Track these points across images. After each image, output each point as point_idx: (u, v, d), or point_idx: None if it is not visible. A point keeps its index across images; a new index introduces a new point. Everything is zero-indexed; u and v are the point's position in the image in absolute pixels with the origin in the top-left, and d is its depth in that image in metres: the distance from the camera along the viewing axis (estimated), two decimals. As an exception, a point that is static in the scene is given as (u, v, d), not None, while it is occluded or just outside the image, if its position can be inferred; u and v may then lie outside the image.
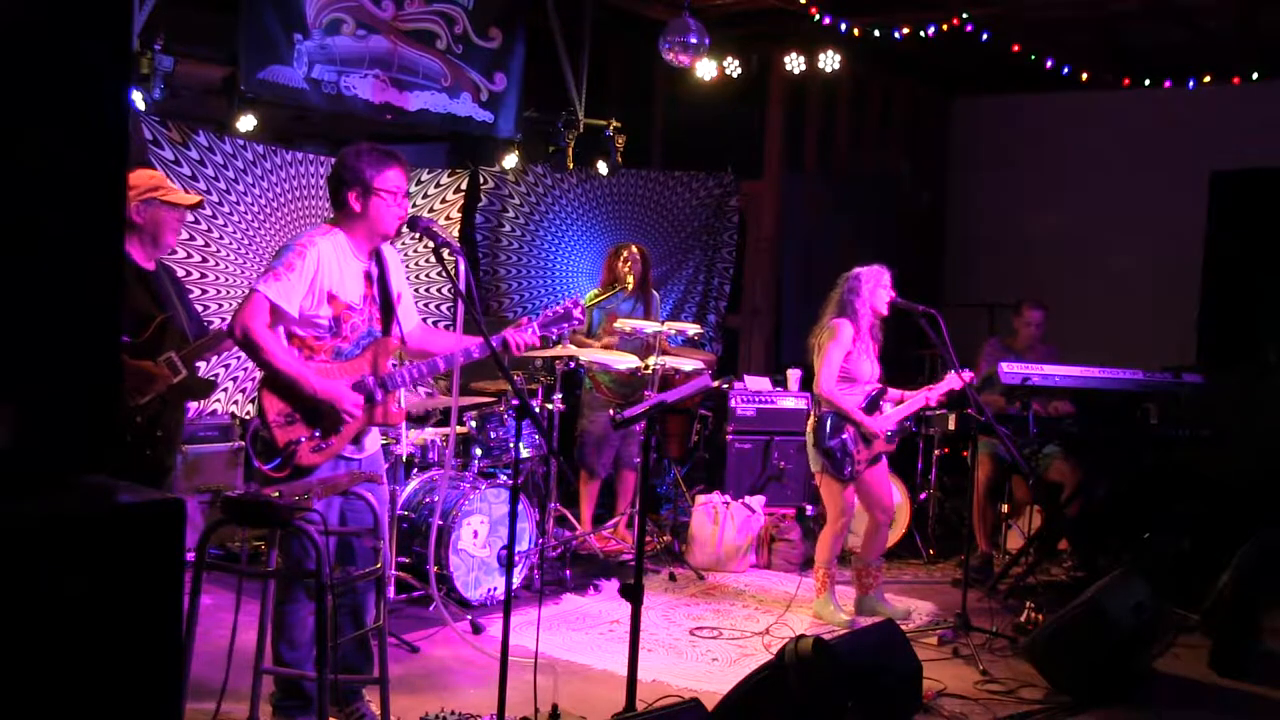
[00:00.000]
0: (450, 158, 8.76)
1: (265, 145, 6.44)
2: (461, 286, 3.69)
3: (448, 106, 6.71)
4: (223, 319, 5.75)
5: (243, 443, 5.88)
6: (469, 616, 5.13)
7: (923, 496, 7.26)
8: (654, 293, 6.96)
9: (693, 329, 6.69)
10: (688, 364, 6.36)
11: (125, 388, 3.74)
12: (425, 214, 7.03)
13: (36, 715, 1.50)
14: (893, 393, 5.58)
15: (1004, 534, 6.62)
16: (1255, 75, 8.01)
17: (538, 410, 5.84)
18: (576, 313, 4.05)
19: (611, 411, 6.26)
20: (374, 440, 3.92)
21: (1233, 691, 4.86)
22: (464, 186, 7.43)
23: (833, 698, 3.58)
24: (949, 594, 6.05)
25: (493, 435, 5.82)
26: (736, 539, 6.43)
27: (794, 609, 5.64)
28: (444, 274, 7.08)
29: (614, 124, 7.44)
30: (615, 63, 8.92)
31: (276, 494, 3.36)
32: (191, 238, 6.06)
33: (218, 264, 6.20)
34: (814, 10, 7.30)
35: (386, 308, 3.84)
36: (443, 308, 7.34)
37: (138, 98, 5.30)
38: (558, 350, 5.86)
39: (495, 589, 5.42)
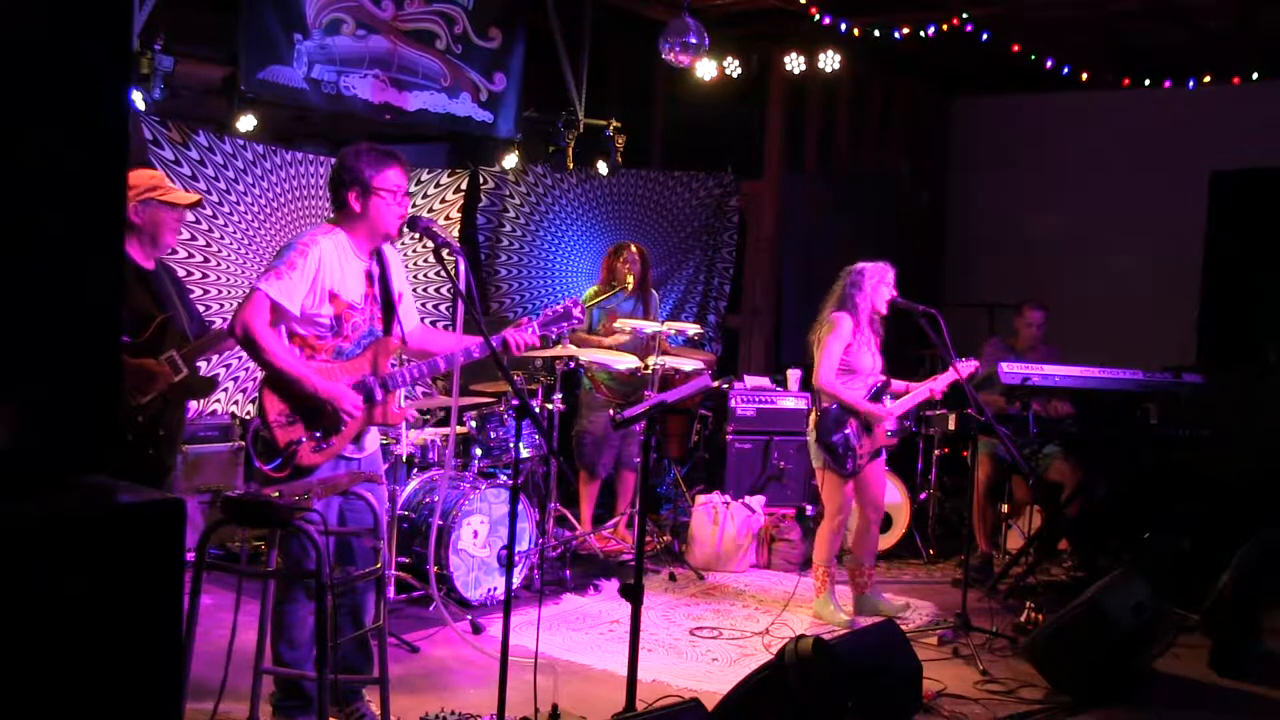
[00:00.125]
0: (450, 158, 8.76)
1: (265, 145, 6.44)
2: (461, 286, 3.69)
3: (447, 106, 6.71)
4: (224, 318, 5.75)
5: (243, 443, 5.88)
6: (469, 616, 5.13)
7: (923, 496, 7.26)
8: (653, 292, 6.96)
9: (693, 329, 6.69)
10: (688, 364, 6.36)
11: (126, 387, 3.75)
12: (425, 214, 7.03)
13: (37, 715, 1.50)
14: (896, 384, 5.59)
15: (1004, 534, 6.62)
16: (1255, 75, 8.01)
17: (538, 410, 5.84)
18: (576, 312, 4.06)
19: (611, 411, 6.26)
20: (373, 440, 3.92)
21: (1233, 691, 4.86)
22: (464, 186, 7.43)
23: (833, 698, 3.58)
24: (949, 594, 6.05)
25: (493, 435, 5.82)
26: (736, 539, 6.43)
27: (794, 609, 5.64)
28: (444, 274, 7.09)
29: (614, 124, 7.44)
30: (615, 63, 8.92)
31: (276, 494, 3.36)
32: (192, 238, 6.06)
33: (219, 264, 6.20)
34: (814, 10, 7.30)
35: (388, 307, 3.84)
36: (442, 308, 7.34)
37: (138, 98, 5.30)
38: (558, 350, 5.86)
39: (495, 589, 5.42)
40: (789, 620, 5.47)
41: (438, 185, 7.37)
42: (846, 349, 5.43)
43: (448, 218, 7.33)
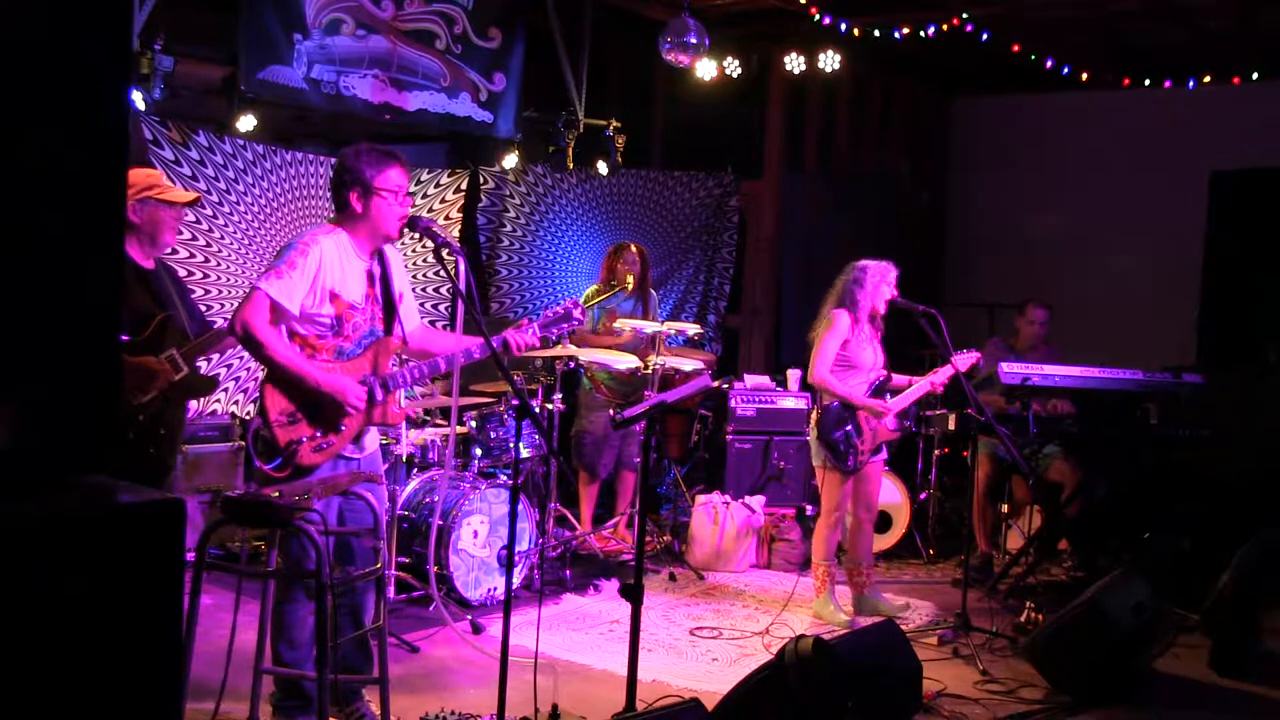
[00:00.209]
0: (450, 158, 8.76)
1: (265, 145, 6.45)
2: (461, 286, 3.69)
3: (446, 106, 6.71)
4: (225, 318, 5.75)
5: (243, 443, 5.89)
6: (469, 616, 5.13)
7: (923, 496, 7.26)
8: (652, 293, 6.96)
9: (693, 329, 6.69)
10: (688, 364, 6.36)
11: (126, 385, 3.75)
12: (425, 214, 7.03)
13: (37, 715, 1.50)
14: (898, 379, 5.60)
15: (1004, 534, 6.62)
16: (1255, 75, 8.01)
17: (538, 410, 5.84)
18: (576, 313, 4.06)
19: (611, 411, 6.26)
20: (373, 440, 3.92)
21: (1233, 691, 4.86)
22: (464, 186, 7.43)
23: (833, 698, 3.58)
24: (949, 594, 6.05)
25: (493, 435, 5.82)
26: (736, 539, 6.43)
27: (794, 609, 5.64)
28: (444, 274, 7.09)
29: (614, 124, 7.44)
30: (615, 63, 8.92)
31: (276, 494, 3.36)
32: (193, 237, 6.06)
33: (219, 263, 6.20)
34: (814, 10, 7.30)
35: (389, 308, 3.84)
36: (441, 307, 7.34)
37: (138, 98, 5.30)
38: (558, 350, 5.86)
39: (495, 589, 5.42)
40: (789, 620, 5.47)
41: (438, 185, 7.37)
42: (845, 345, 5.44)
43: (447, 218, 7.34)
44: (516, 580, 5.47)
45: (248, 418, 6.08)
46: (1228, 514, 6.01)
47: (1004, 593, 6.15)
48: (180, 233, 5.76)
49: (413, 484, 5.51)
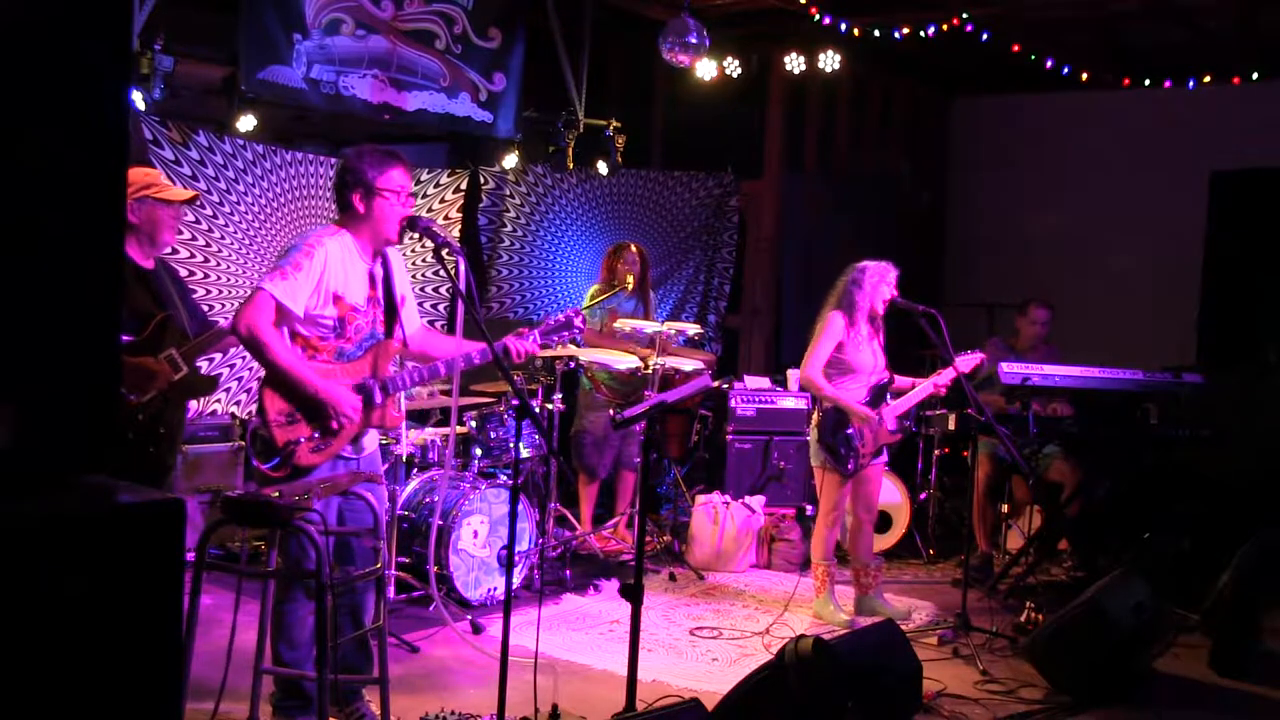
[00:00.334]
0: (450, 158, 8.77)
1: (265, 145, 6.45)
2: (461, 286, 3.69)
3: (446, 106, 6.71)
4: (226, 318, 5.75)
5: (243, 443, 5.89)
6: (469, 616, 5.13)
7: (923, 496, 7.26)
8: (650, 293, 6.96)
9: (693, 329, 6.69)
10: (688, 364, 6.36)
11: (125, 386, 3.74)
12: (424, 214, 7.03)
13: (37, 715, 1.50)
14: (901, 381, 5.60)
15: (1004, 534, 6.62)
16: (1255, 75, 8.01)
17: (538, 410, 5.84)
18: (578, 321, 4.05)
19: (611, 411, 6.26)
20: (372, 440, 3.92)
21: (1233, 691, 4.86)
22: (463, 186, 7.43)
23: (833, 698, 3.58)
24: (949, 594, 6.05)
25: (493, 435, 5.82)
26: (736, 539, 6.43)
27: (794, 609, 5.64)
28: (443, 274, 7.09)
29: (614, 124, 7.44)
30: (615, 63, 8.92)
31: (276, 494, 3.36)
32: (193, 237, 6.06)
33: (219, 263, 6.20)
34: (814, 10, 7.30)
35: (390, 310, 3.84)
36: (440, 307, 7.35)
37: (138, 98, 5.30)
38: (558, 350, 5.86)
39: (495, 589, 5.42)
40: (789, 620, 5.47)
41: (437, 185, 7.37)
42: (841, 348, 5.44)
43: (447, 218, 7.33)
44: (516, 580, 5.47)
45: (247, 417, 6.08)
46: (1228, 514, 6.01)
47: (1004, 593, 6.15)
48: (180, 232, 5.76)
49: (413, 484, 5.51)
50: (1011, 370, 5.94)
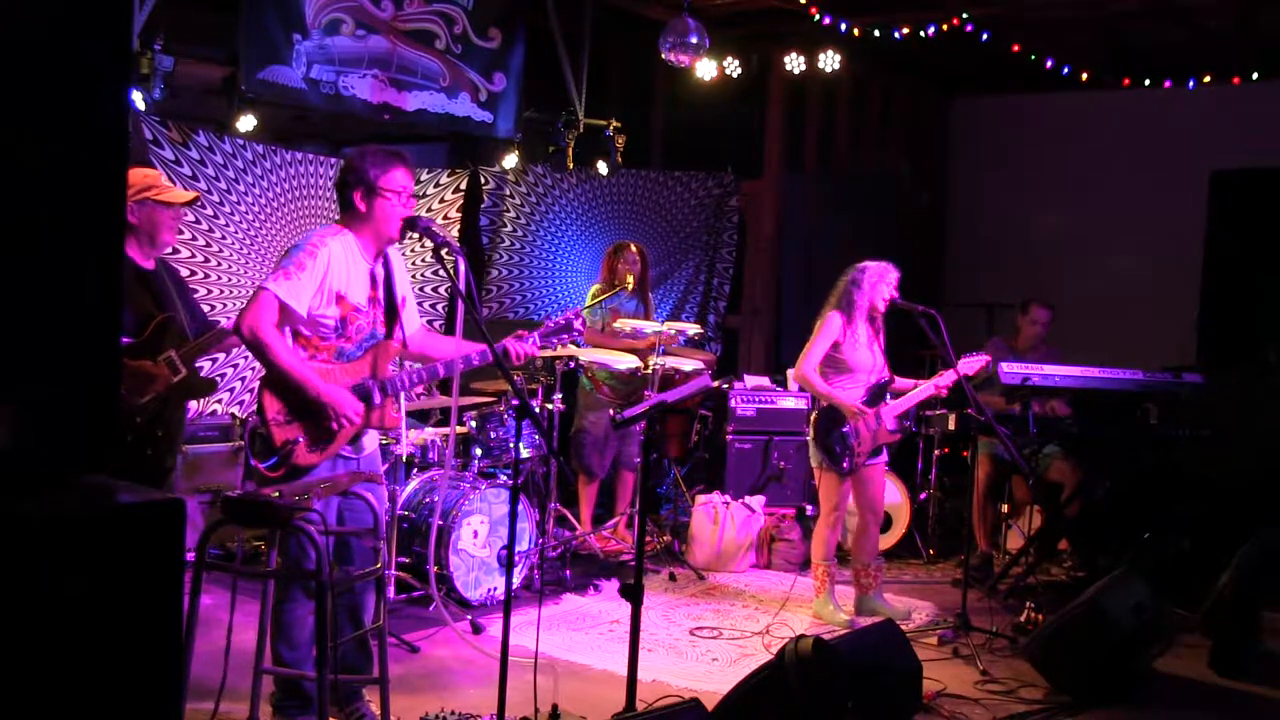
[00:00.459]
0: (450, 158, 8.77)
1: (265, 145, 6.45)
2: (461, 286, 3.69)
3: (446, 106, 6.71)
4: (230, 317, 5.75)
5: (243, 443, 5.89)
6: (469, 616, 5.13)
7: (923, 496, 7.26)
8: (649, 292, 6.97)
9: (693, 329, 6.69)
10: (688, 364, 6.36)
11: (124, 388, 3.74)
12: (424, 214, 7.03)
13: (37, 715, 1.50)
14: (902, 382, 5.60)
15: (1004, 534, 6.62)
16: (1255, 75, 8.01)
17: (538, 410, 5.84)
18: (578, 324, 4.05)
19: (611, 411, 6.26)
20: (372, 440, 3.92)
21: (1233, 691, 4.86)
22: (463, 186, 7.43)
23: (833, 698, 3.58)
24: (949, 594, 6.05)
25: (493, 435, 5.82)
26: (736, 539, 6.43)
27: (794, 609, 5.64)
28: (442, 274, 7.09)
29: (614, 124, 7.44)
30: (615, 63, 8.92)
31: (276, 494, 3.36)
32: (194, 237, 6.06)
33: (220, 263, 6.21)
34: (814, 10, 7.30)
35: (390, 310, 3.85)
36: (439, 307, 7.35)
37: (138, 98, 5.30)
38: (558, 350, 5.86)
39: (495, 589, 5.42)
40: (789, 620, 5.47)
41: (437, 185, 7.38)
42: (838, 346, 5.45)
43: (446, 218, 7.34)
44: (516, 580, 5.47)
45: (248, 417, 6.08)
46: (1228, 514, 6.01)
47: (1004, 593, 6.14)
48: (181, 232, 5.76)
49: (413, 484, 5.51)
50: (1011, 370, 5.94)
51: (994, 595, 6.09)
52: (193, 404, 5.43)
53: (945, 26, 7.45)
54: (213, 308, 6.04)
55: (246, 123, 5.89)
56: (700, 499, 6.61)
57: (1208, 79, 8.20)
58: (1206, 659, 5.06)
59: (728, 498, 6.58)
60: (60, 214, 1.58)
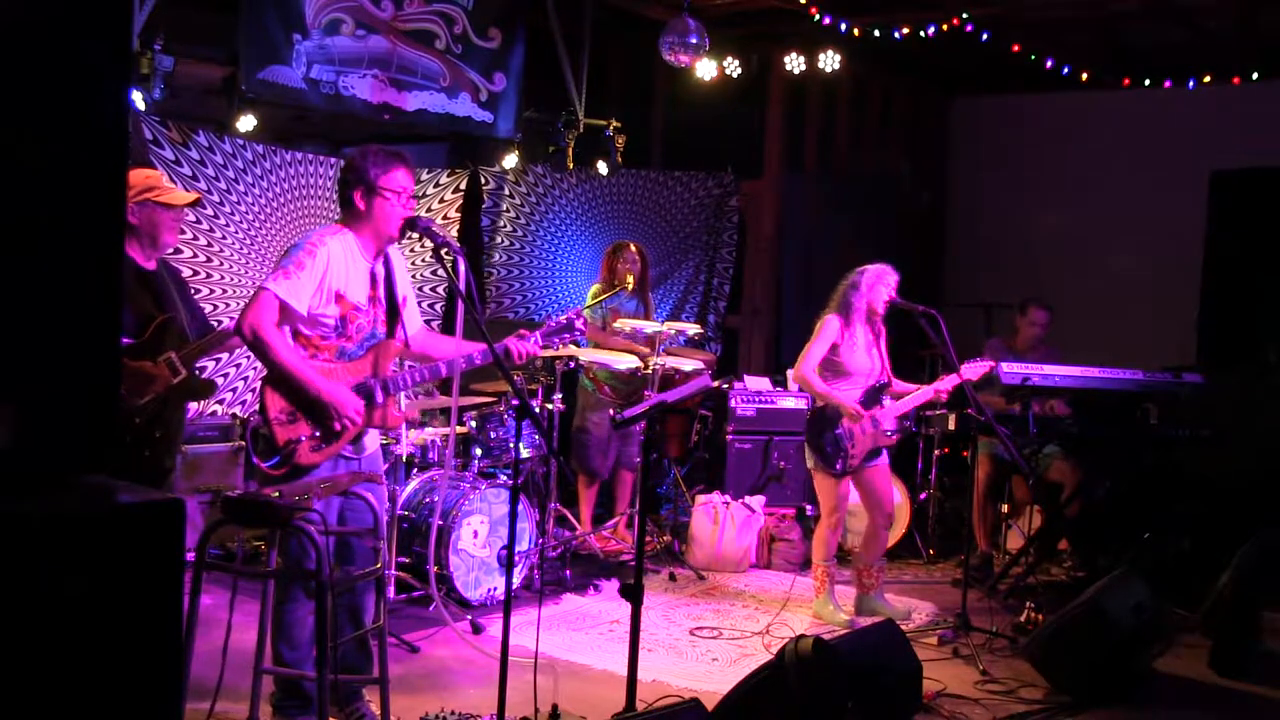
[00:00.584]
0: (450, 158, 8.77)
1: (265, 145, 6.45)
2: (461, 286, 3.69)
3: (446, 106, 6.71)
4: (230, 318, 5.75)
5: (243, 443, 5.89)
6: (469, 616, 5.13)
7: (923, 496, 7.26)
8: (649, 292, 6.97)
9: (693, 329, 6.69)
10: (688, 364, 6.36)
11: (124, 389, 3.74)
12: (424, 214, 7.03)
13: (37, 715, 1.50)
14: (902, 386, 5.59)
15: (1004, 534, 6.62)
16: (1255, 75, 8.01)
17: (538, 410, 5.84)
18: (579, 323, 4.05)
19: (611, 411, 6.26)
20: (373, 440, 3.92)
21: (1233, 691, 4.86)
22: (463, 186, 7.43)
23: (833, 698, 3.58)
24: (949, 594, 6.05)
25: (493, 435, 5.82)
26: (736, 539, 6.43)
27: (794, 609, 5.65)
28: (441, 273, 7.09)
29: (614, 124, 7.44)
30: (615, 63, 8.92)
31: (276, 494, 3.36)
32: (195, 237, 6.06)
33: (221, 263, 6.21)
34: (814, 10, 7.30)
35: (391, 310, 3.85)
36: (437, 307, 7.35)
37: (138, 98, 5.30)
38: (559, 350, 5.86)
39: (495, 589, 5.42)
40: (789, 620, 5.47)
41: (437, 185, 7.38)
42: (835, 349, 5.45)
43: (446, 217, 7.34)
44: (516, 580, 5.47)
45: (250, 417, 6.08)
46: (1228, 514, 6.01)
47: (1004, 593, 6.14)
48: (183, 232, 5.76)
49: (413, 484, 5.51)
50: (1011, 370, 5.94)
51: (994, 595, 6.09)
52: (193, 405, 5.43)
53: (945, 26, 7.45)
54: (215, 308, 6.05)
55: (246, 123, 5.89)
56: (700, 499, 6.61)
57: (1208, 79, 8.20)
58: (1206, 659, 5.06)
59: (728, 498, 6.58)
60: (60, 214, 1.58)
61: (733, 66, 7.88)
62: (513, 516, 3.67)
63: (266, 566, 3.69)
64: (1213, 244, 8.52)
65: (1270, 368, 7.65)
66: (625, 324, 6.44)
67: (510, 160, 7.26)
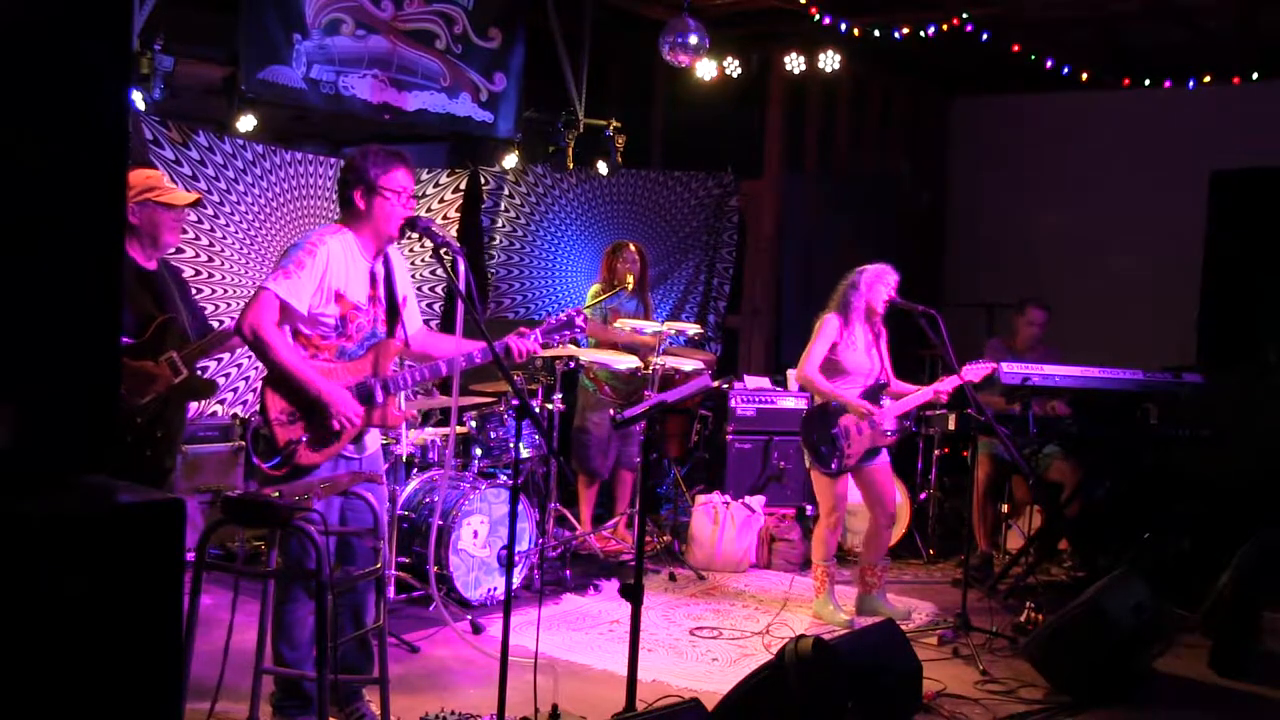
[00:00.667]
0: (450, 158, 8.77)
1: (265, 145, 6.45)
2: (461, 286, 3.69)
3: (446, 106, 6.71)
4: (231, 318, 5.75)
5: (243, 443, 5.89)
6: (469, 616, 5.13)
7: (923, 496, 7.26)
8: (648, 292, 6.97)
9: (693, 329, 6.69)
10: (688, 364, 6.36)
11: (125, 388, 3.74)
12: (423, 214, 7.03)
13: (37, 715, 1.50)
14: (901, 386, 5.59)
15: (1004, 534, 6.62)
16: (1255, 75, 8.01)
17: (538, 410, 5.84)
18: (579, 321, 4.05)
19: (612, 411, 6.26)
20: (374, 440, 3.93)
21: (1233, 691, 4.87)
22: (463, 186, 7.43)
23: (833, 698, 3.58)
24: (949, 594, 6.05)
25: (493, 435, 5.82)
26: (736, 539, 6.43)
27: (794, 609, 5.65)
28: (440, 273, 7.08)
29: (614, 124, 7.44)
30: (615, 63, 8.92)
31: (276, 494, 3.36)
32: (197, 237, 6.06)
33: (221, 263, 6.21)
34: (814, 10, 7.30)
35: (392, 310, 3.85)
36: (435, 306, 7.35)
37: (138, 98, 5.30)
38: (559, 350, 5.86)
39: (495, 589, 5.42)
40: (789, 620, 5.47)
41: (437, 185, 7.38)
42: (834, 349, 5.46)
43: (445, 217, 7.34)
44: (516, 580, 5.47)
45: (250, 417, 6.08)
46: (1228, 514, 6.01)
47: (1004, 593, 6.14)
48: (185, 232, 5.76)
49: (413, 484, 5.51)
50: (1011, 370, 5.94)
51: (994, 595, 6.09)
52: (193, 404, 5.43)
53: (945, 26, 7.45)
54: (215, 308, 6.05)
55: (246, 123, 5.88)
56: (700, 499, 6.61)
57: (1208, 79, 8.20)
58: (1206, 659, 5.06)
59: (728, 498, 6.58)
60: (60, 214, 1.58)
61: (733, 66, 7.88)
62: (513, 516, 3.67)
63: (267, 566, 3.69)
64: (1213, 244, 8.52)
65: (1270, 368, 7.65)
66: (625, 324, 6.44)
67: (510, 160, 7.26)
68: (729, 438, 7.08)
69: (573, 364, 6.50)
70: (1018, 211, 9.54)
